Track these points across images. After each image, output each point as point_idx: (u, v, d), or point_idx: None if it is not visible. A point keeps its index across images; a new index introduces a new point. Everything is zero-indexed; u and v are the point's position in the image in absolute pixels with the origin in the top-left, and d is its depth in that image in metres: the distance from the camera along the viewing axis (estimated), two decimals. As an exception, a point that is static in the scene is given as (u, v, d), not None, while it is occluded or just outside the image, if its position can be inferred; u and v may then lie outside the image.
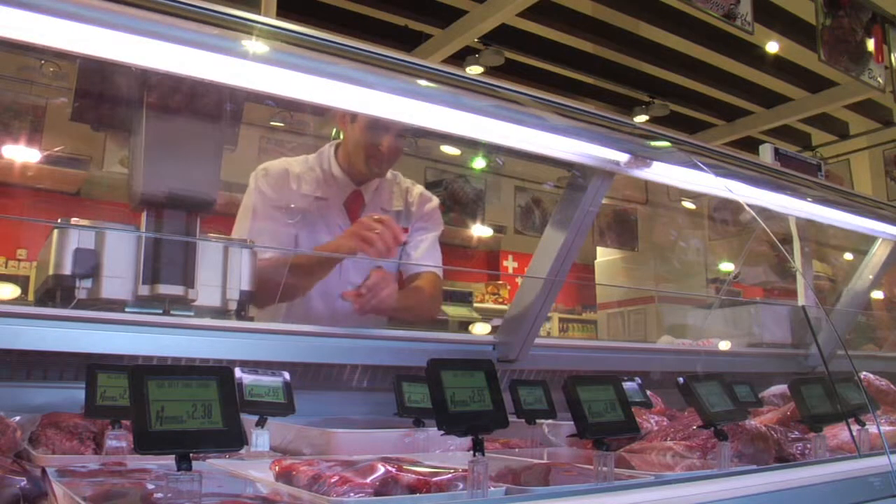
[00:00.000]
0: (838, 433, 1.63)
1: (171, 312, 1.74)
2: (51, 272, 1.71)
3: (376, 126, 2.34)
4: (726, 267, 5.16)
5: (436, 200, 2.65)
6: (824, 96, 7.75)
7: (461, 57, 6.71)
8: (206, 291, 1.79)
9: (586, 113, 1.75)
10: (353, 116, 2.41)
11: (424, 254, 2.51)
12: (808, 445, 1.55)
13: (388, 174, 2.52)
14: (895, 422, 1.79)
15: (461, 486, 1.01)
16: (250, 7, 1.45)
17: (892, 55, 6.06)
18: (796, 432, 1.63)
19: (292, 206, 2.41)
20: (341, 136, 2.53)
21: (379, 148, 2.37)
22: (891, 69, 6.07)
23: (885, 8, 6.12)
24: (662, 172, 1.90)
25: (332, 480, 0.99)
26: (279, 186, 2.43)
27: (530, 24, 6.61)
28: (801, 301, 3.20)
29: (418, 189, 2.62)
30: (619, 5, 6.41)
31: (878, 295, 3.00)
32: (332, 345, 1.87)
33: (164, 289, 1.70)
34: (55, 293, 1.71)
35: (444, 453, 1.47)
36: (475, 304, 9.19)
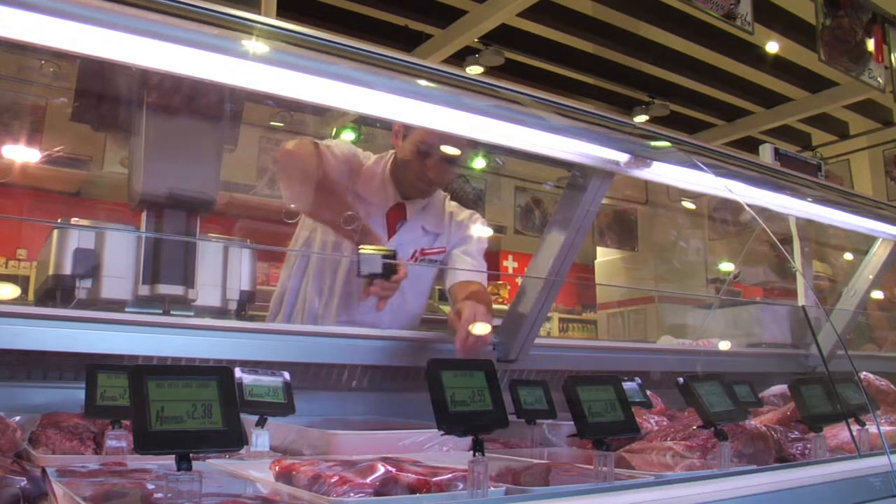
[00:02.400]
0: (838, 433, 1.63)
1: (171, 312, 1.74)
2: (51, 272, 1.71)
3: (425, 147, 2.31)
4: (726, 267, 5.16)
5: (481, 221, 2.59)
6: (824, 96, 7.74)
7: (461, 57, 6.71)
8: (206, 291, 1.80)
9: (586, 113, 1.75)
10: (405, 134, 2.37)
11: (469, 267, 2.46)
12: (808, 445, 1.55)
13: (440, 194, 2.51)
14: (895, 422, 1.79)
15: (461, 486, 1.01)
16: (250, 7, 1.45)
17: (892, 55, 6.06)
18: (796, 432, 1.63)
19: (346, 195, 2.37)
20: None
21: (425, 169, 2.33)
22: (891, 69, 6.06)
23: (885, 8, 6.11)
24: (662, 172, 1.90)
25: (332, 480, 0.99)
26: (349, 166, 2.40)
27: (530, 24, 6.60)
28: (801, 301, 3.20)
29: (466, 212, 2.57)
30: (619, 5, 6.41)
31: (878, 295, 3.00)
32: (332, 345, 1.87)
33: (164, 289, 1.70)
34: (55, 293, 1.72)
35: (444, 453, 1.47)
36: (475, 304, 9.15)
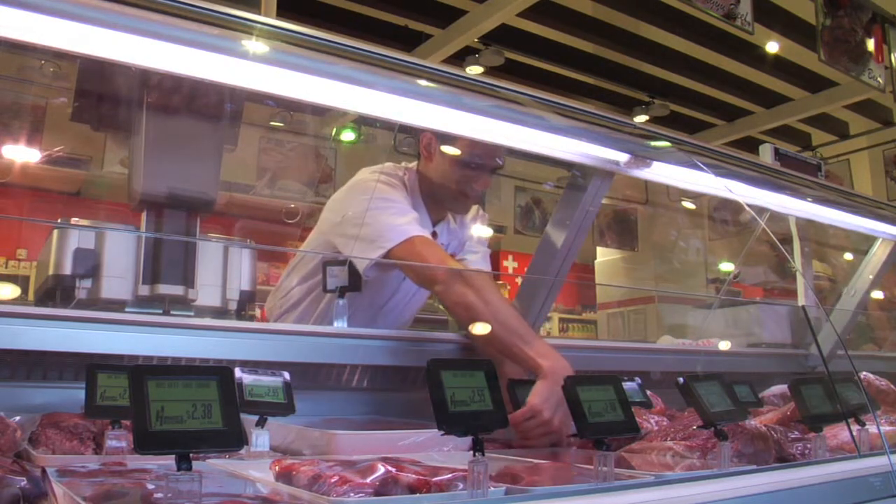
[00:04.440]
0: (838, 433, 1.63)
1: (171, 312, 1.74)
2: (51, 272, 1.71)
3: (471, 161, 2.10)
4: (726, 267, 5.16)
5: (485, 217, 2.48)
6: (824, 96, 7.74)
7: (461, 57, 6.71)
8: (206, 291, 1.80)
9: (586, 113, 1.75)
10: (441, 145, 2.14)
11: (478, 262, 2.34)
12: (808, 445, 1.55)
13: None
14: (895, 422, 1.79)
15: (461, 486, 1.01)
16: (250, 7, 1.45)
17: (892, 55, 6.06)
18: (796, 432, 1.63)
19: None
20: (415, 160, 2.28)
21: (472, 184, 2.14)
22: (891, 69, 6.06)
23: (885, 8, 6.11)
24: (662, 172, 1.91)
25: (332, 480, 0.99)
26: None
27: (530, 24, 6.60)
28: (801, 301, 3.20)
29: (472, 211, 2.40)
30: (619, 5, 6.41)
31: (878, 295, 3.00)
32: (332, 345, 1.87)
33: (164, 289, 1.70)
34: (55, 293, 1.72)
35: (444, 453, 1.47)
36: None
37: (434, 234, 2.26)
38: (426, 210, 2.23)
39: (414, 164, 2.29)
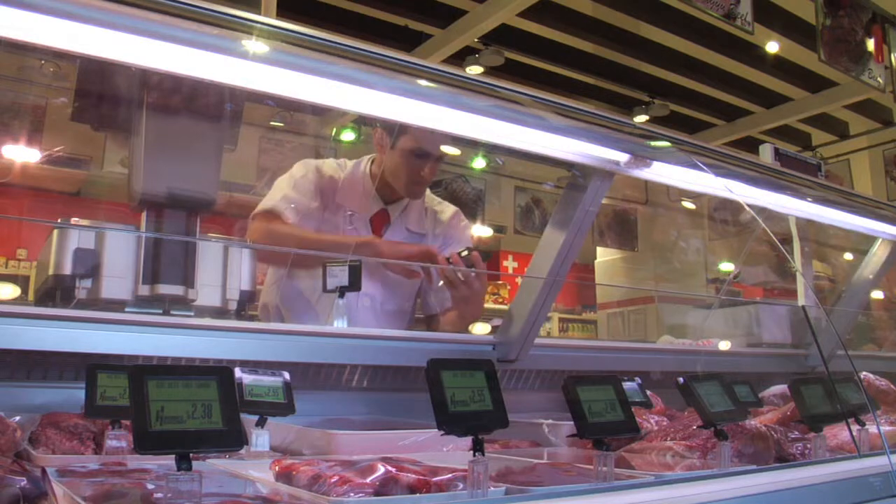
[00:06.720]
0: (838, 433, 1.63)
1: (171, 312, 1.74)
2: (51, 272, 1.71)
3: (418, 152, 2.35)
4: (726, 267, 5.16)
5: (466, 222, 2.65)
6: (824, 96, 7.74)
7: (461, 57, 6.71)
8: (206, 291, 1.79)
9: (586, 113, 1.75)
10: (393, 142, 2.39)
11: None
12: (808, 445, 1.55)
13: None
14: (895, 422, 1.79)
15: (461, 486, 1.01)
16: (250, 7, 1.45)
17: (892, 55, 6.06)
18: (796, 432, 1.63)
19: (325, 210, 2.46)
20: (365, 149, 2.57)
21: (420, 170, 2.38)
22: (891, 69, 6.06)
23: (885, 8, 6.12)
24: (662, 172, 1.90)
25: (332, 480, 0.99)
26: (321, 190, 2.46)
27: (530, 24, 6.60)
28: (801, 301, 3.20)
29: (449, 211, 2.61)
30: (619, 5, 6.41)
31: (878, 295, 3.00)
32: (332, 345, 1.87)
33: (164, 289, 1.70)
34: (55, 293, 1.72)
35: (444, 453, 1.47)
36: (475, 304, 9.15)
37: (385, 212, 2.46)
38: (376, 192, 2.48)
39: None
